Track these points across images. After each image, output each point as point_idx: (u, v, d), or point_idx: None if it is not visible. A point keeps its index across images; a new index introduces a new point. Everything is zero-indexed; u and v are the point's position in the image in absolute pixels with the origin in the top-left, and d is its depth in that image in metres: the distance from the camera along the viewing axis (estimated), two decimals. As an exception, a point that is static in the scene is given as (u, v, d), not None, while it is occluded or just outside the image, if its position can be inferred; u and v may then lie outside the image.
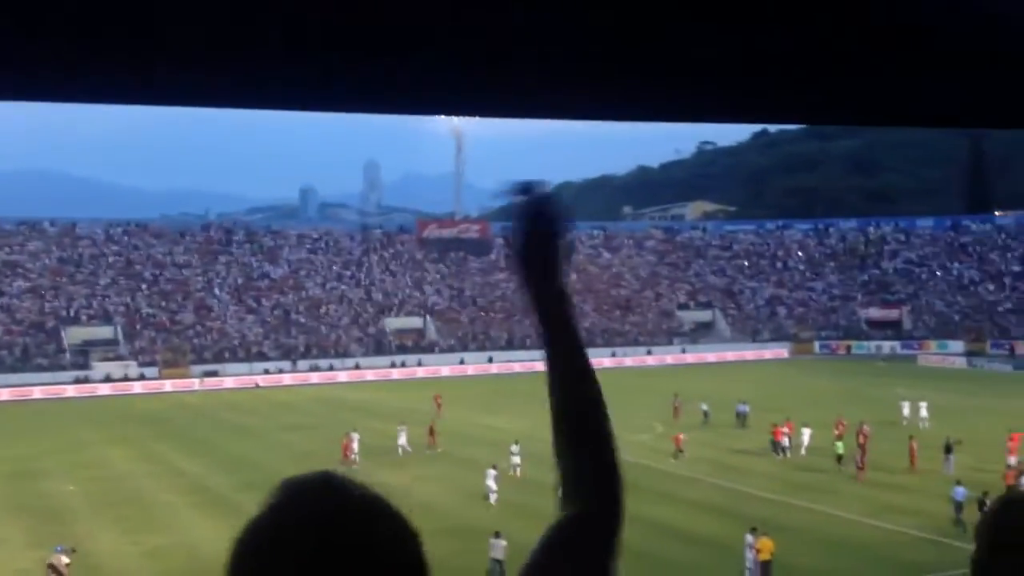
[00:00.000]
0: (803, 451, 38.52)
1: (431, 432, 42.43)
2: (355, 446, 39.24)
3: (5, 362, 70.27)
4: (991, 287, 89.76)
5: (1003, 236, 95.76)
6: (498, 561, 23.88)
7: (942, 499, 28.70)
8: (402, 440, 40.59)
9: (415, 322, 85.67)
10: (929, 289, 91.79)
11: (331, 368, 75.10)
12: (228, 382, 70.49)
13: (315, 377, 72.40)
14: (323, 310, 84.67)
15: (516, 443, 35.34)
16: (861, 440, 35.74)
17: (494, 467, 32.22)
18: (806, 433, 39.15)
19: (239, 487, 34.66)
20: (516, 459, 34.82)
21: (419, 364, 77.33)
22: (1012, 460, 32.71)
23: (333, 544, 1.06)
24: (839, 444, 36.66)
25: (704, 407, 47.72)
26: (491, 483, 31.40)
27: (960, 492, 27.63)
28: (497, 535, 24.24)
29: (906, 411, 45.06)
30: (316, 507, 1.09)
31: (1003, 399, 50.44)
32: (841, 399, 54.35)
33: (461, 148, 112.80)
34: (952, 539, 25.60)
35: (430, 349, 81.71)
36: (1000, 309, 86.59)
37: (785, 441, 38.76)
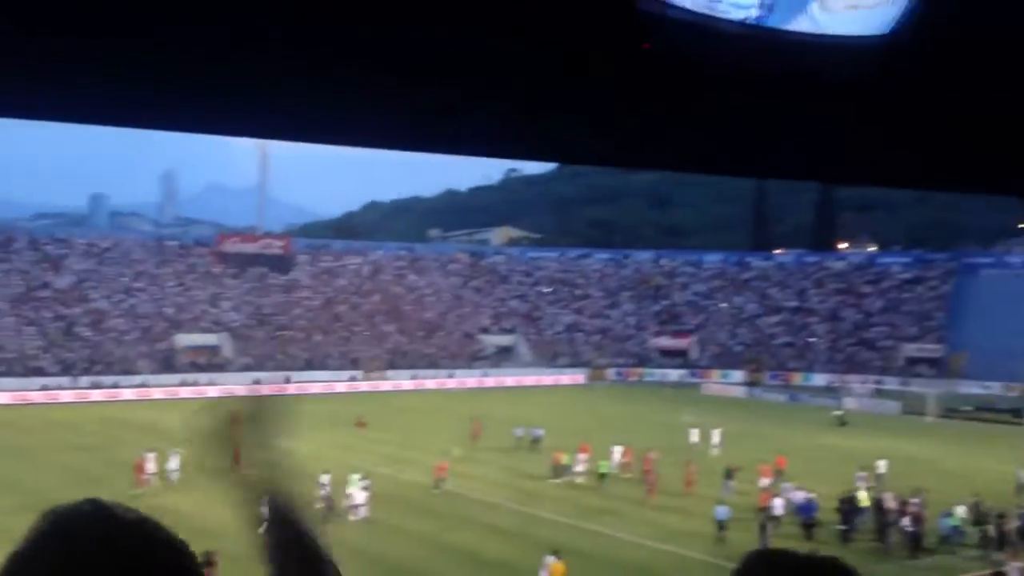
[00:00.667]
0: (581, 472, 39.38)
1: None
2: (150, 467, 37.45)
3: None
4: (770, 321, 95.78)
5: (782, 273, 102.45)
6: None
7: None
8: (173, 463, 37.92)
9: (209, 339, 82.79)
10: (714, 321, 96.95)
11: (115, 385, 71.38)
12: (1, 398, 65.69)
13: (96, 394, 68.57)
14: (109, 324, 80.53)
15: (326, 473, 33.81)
16: (646, 466, 37.39)
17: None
18: (616, 452, 40.46)
19: (10, 510, 32.41)
20: (326, 490, 33.10)
21: (211, 383, 74.64)
22: (764, 482, 35.29)
23: (100, 572, 0.96)
24: (603, 464, 38.44)
25: (519, 432, 47.87)
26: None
27: (721, 511, 29.83)
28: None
29: (695, 438, 47.02)
30: (82, 535, 0.99)
31: (776, 427, 53.84)
32: (633, 424, 56.55)
33: (266, 162, 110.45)
34: (720, 559, 27.12)
35: (224, 367, 79.16)
36: (776, 342, 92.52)
37: (579, 466, 39.72)
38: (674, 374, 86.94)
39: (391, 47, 1.07)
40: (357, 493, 32.99)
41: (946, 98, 1.26)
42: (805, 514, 30.26)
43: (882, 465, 38.29)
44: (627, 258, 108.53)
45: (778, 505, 30.64)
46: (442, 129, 1.26)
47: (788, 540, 29.66)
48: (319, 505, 31.94)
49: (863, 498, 31.42)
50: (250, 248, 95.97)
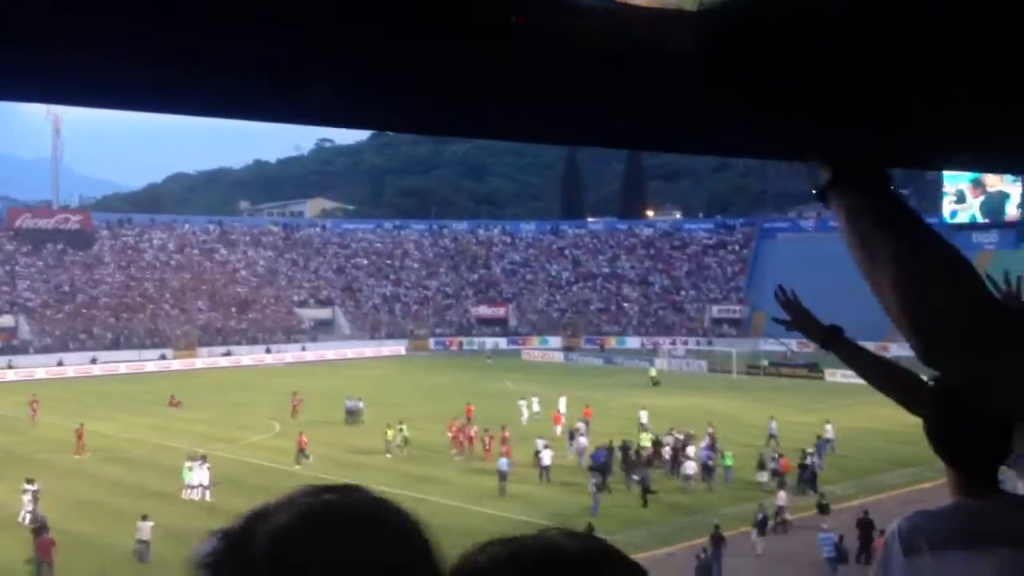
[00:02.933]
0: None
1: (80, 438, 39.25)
2: None
3: None
4: (584, 287, 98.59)
5: (594, 240, 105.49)
6: (144, 542, 25.35)
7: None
8: None
9: (5, 320, 77.72)
10: (531, 289, 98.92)
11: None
12: None
13: None
14: None
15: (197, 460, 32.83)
16: (453, 431, 38.56)
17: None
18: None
19: None
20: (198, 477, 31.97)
21: (9, 366, 70.21)
22: (557, 430, 40.70)
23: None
24: (390, 431, 39.13)
25: (351, 404, 46.98)
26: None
27: (503, 463, 33.02)
28: (144, 518, 25.70)
29: (526, 407, 46.65)
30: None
31: (591, 390, 55.57)
32: (456, 393, 57.13)
33: (59, 132, 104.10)
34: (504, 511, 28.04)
35: (23, 350, 74.56)
36: (592, 308, 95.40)
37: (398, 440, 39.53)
38: (492, 342, 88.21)
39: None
40: (198, 474, 31.97)
41: (751, 69, 1.31)
42: (595, 461, 33.65)
43: (643, 415, 42.19)
44: (443, 228, 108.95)
45: (546, 456, 34.38)
46: (299, 100, 1.28)
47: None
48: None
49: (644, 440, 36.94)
50: (46, 223, 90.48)
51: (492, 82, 1.23)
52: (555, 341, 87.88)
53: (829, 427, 39.03)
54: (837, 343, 2.41)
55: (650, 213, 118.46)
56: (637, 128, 1.45)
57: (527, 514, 29.20)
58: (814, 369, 60.64)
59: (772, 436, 38.80)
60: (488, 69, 1.21)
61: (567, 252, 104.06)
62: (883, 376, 2.41)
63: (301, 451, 37.32)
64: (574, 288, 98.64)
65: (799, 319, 2.53)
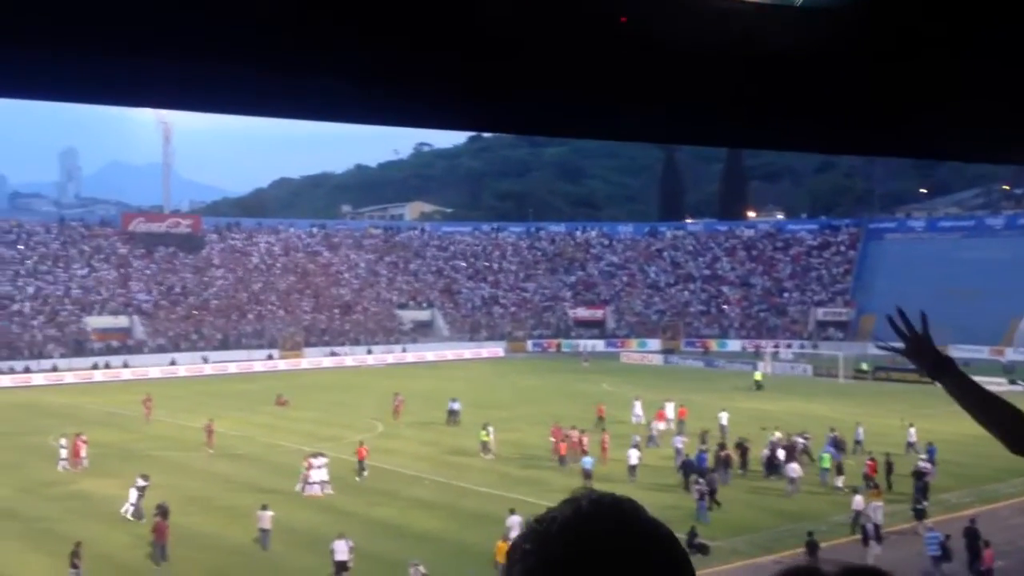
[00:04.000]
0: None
1: (209, 434, 40.80)
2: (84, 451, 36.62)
3: None
4: (684, 289, 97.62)
5: (694, 242, 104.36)
6: (265, 530, 26.40)
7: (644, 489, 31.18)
8: (63, 454, 36.92)
9: (120, 321, 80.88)
10: (629, 291, 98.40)
11: (27, 370, 69.36)
12: (-100, 388, 63.30)
13: (6, 380, 66.61)
14: (15, 308, 78.05)
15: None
16: (556, 435, 38.17)
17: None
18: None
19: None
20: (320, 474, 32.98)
21: (125, 365, 73.09)
22: (659, 426, 41.27)
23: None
24: (483, 433, 39.30)
25: (454, 406, 47.27)
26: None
27: (586, 461, 34.01)
28: (264, 507, 26.78)
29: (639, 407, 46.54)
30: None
31: (692, 392, 55.00)
32: (553, 395, 57.29)
33: (169, 139, 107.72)
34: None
35: (138, 349, 77.50)
36: (692, 310, 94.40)
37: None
38: (591, 344, 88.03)
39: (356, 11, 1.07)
40: (316, 472, 32.80)
41: (856, 66, 1.33)
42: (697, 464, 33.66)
43: (723, 417, 42.35)
44: (541, 230, 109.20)
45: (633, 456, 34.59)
46: (415, 100, 1.27)
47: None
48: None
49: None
50: (158, 227, 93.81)
51: (599, 81, 1.24)
52: (654, 344, 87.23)
53: (912, 431, 38.53)
54: (947, 375, 2.61)
55: (751, 214, 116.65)
56: (738, 125, 1.43)
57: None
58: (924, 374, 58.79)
59: (857, 442, 38.33)
60: (595, 67, 1.21)
61: (666, 254, 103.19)
62: (989, 412, 2.62)
63: (360, 464, 35.55)
64: (673, 290, 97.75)
65: (915, 346, 2.59)
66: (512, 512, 25.87)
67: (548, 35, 1.17)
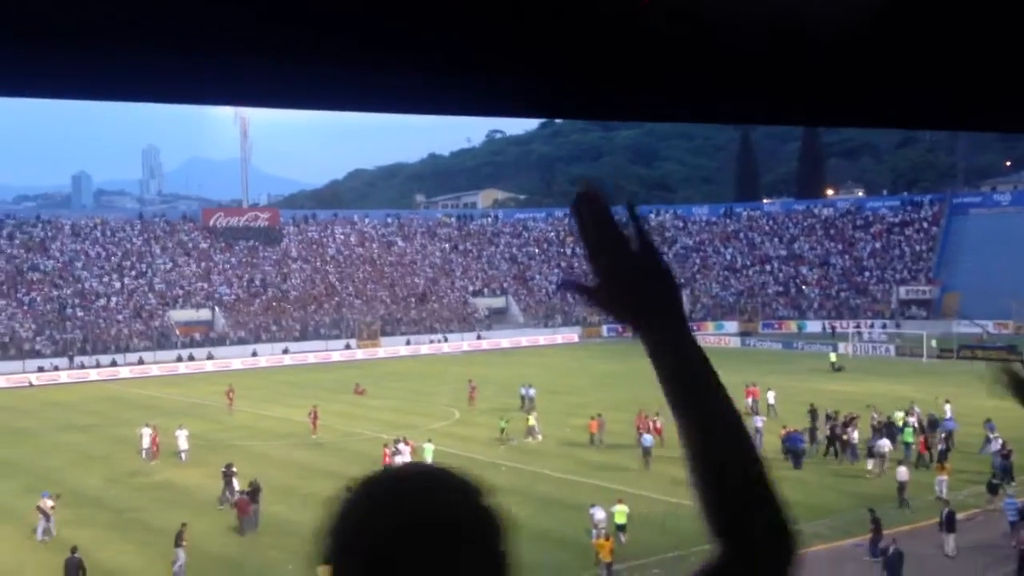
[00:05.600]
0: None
1: (314, 419, 41.81)
2: (181, 443, 37.41)
3: None
4: (761, 270, 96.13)
5: (771, 222, 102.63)
6: None
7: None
8: (181, 440, 37.88)
9: (203, 314, 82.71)
10: (705, 273, 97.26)
11: (113, 364, 71.40)
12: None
13: (94, 374, 68.65)
14: (101, 303, 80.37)
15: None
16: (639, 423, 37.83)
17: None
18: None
19: (18, 492, 32.65)
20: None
21: (209, 357, 74.76)
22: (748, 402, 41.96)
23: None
24: (529, 418, 40.22)
25: (525, 391, 47.46)
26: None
27: (647, 439, 34.87)
28: (349, 490, 26.74)
29: None
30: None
31: (771, 375, 54.11)
32: (629, 380, 56.87)
33: (247, 134, 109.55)
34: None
35: (220, 342, 79.17)
36: (769, 291, 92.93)
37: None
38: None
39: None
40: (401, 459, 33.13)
41: (936, 38, 1.28)
42: (791, 444, 34.12)
43: (771, 396, 43.61)
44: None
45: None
46: (451, 89, 1.27)
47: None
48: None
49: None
50: (237, 221, 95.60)
51: (619, 64, 1.23)
52: (731, 326, 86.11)
53: (948, 407, 37.81)
54: (650, 331, 1.55)
55: (830, 192, 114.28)
56: (770, 102, 1.42)
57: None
58: (1013, 352, 57.03)
59: (937, 421, 37.53)
60: (616, 50, 1.20)
61: (742, 235, 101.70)
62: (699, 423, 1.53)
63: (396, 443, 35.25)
64: (750, 272, 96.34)
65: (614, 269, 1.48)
66: (593, 505, 25.81)
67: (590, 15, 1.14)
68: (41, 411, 52.44)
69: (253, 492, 28.65)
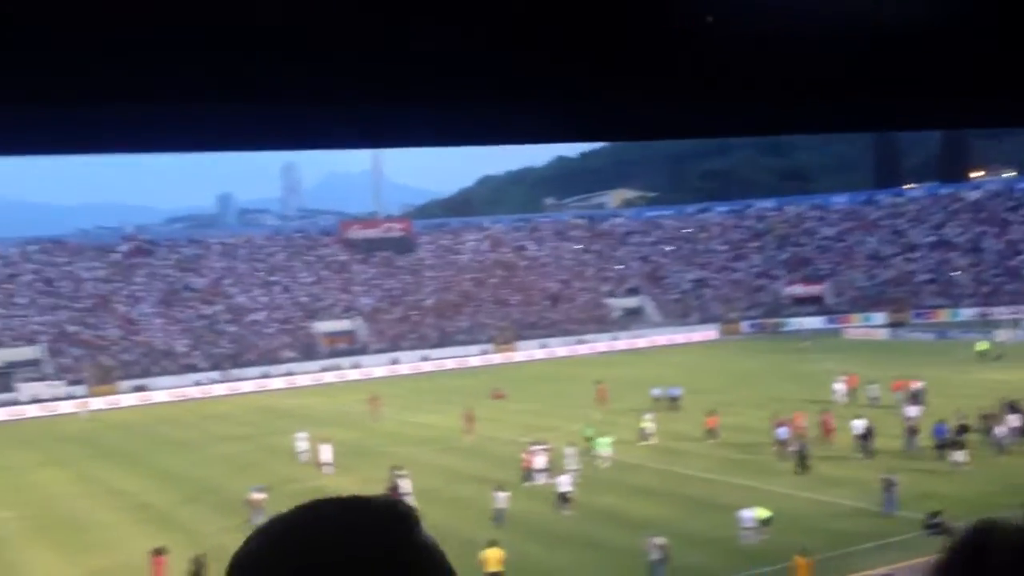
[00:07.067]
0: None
1: (469, 422, 43.11)
2: (326, 456, 38.47)
3: (-78, 390, 67.98)
4: (907, 258, 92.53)
5: (914, 208, 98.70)
6: (501, 509, 28.26)
7: (870, 469, 29.73)
8: (325, 452, 38.73)
9: (345, 324, 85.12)
10: (848, 264, 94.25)
11: (264, 376, 74.22)
12: (158, 396, 69.18)
13: (247, 386, 71.50)
14: (250, 317, 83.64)
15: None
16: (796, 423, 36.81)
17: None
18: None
19: (179, 502, 34.27)
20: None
21: (353, 367, 76.86)
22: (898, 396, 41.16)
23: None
24: (644, 419, 39.51)
25: (664, 392, 47.65)
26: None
27: (781, 431, 34.86)
28: (500, 488, 28.83)
29: (839, 389, 45.08)
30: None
31: (924, 367, 52.01)
32: (771, 377, 55.68)
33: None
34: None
35: (362, 351, 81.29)
36: (917, 280, 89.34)
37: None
38: (810, 321, 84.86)
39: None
40: (538, 461, 33.49)
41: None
42: (937, 435, 33.17)
43: (838, 387, 43.96)
44: (748, 208, 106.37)
45: (857, 426, 34.28)
46: (500, 114, 1.26)
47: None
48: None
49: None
50: (373, 233, 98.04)
51: (687, 82, 1.23)
52: (879, 317, 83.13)
53: None
54: None
55: (976, 174, 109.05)
56: (830, 110, 1.42)
57: (860, 499, 27.93)
58: None
59: None
60: (683, 68, 1.20)
61: (885, 223, 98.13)
62: None
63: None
64: (896, 260, 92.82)
65: None
66: (743, 509, 25.41)
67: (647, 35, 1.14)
68: (199, 423, 54.93)
69: (394, 491, 29.41)
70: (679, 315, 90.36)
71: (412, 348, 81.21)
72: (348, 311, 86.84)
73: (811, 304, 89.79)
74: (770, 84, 1.21)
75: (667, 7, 1.13)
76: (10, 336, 75.56)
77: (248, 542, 1.08)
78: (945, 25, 1.27)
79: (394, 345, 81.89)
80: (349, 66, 1.05)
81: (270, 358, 77.76)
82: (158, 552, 24.46)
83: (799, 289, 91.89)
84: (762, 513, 25.24)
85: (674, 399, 46.98)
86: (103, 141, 1.12)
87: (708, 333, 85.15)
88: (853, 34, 1.24)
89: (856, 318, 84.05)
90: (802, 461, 32.43)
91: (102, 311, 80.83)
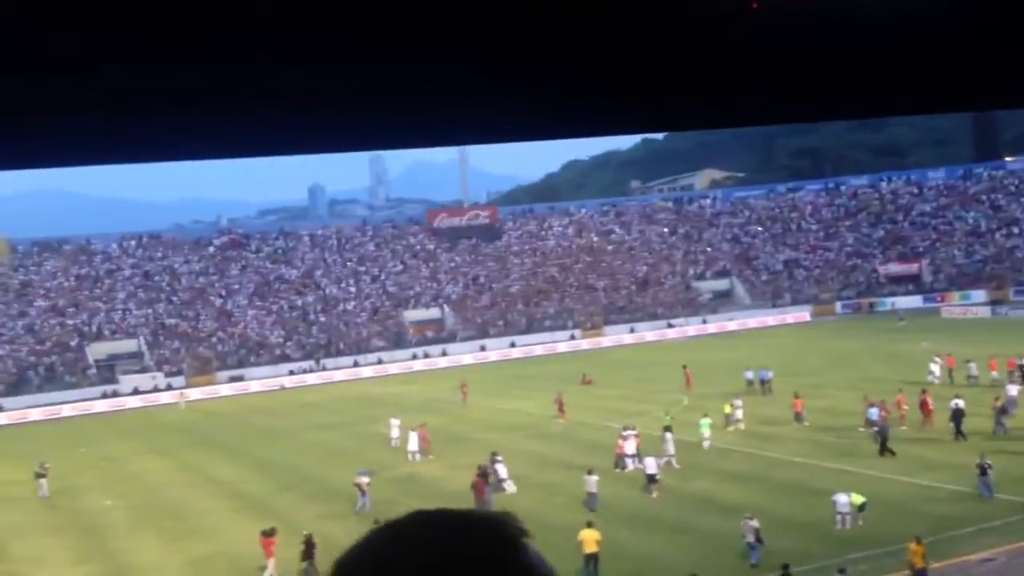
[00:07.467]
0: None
1: (560, 407, 43.49)
2: (413, 444, 38.79)
3: (33, 382, 70.91)
4: (1007, 234, 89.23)
5: (1016, 181, 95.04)
6: (592, 493, 28.32)
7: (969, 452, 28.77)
8: (396, 431, 40.26)
9: (433, 313, 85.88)
10: (946, 241, 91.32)
11: (355, 365, 75.41)
12: (254, 386, 70.90)
13: (339, 375, 72.74)
14: (341, 307, 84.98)
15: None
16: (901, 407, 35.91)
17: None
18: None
19: (276, 490, 35.03)
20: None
21: (442, 354, 77.54)
22: (994, 375, 41.08)
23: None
24: (728, 406, 38.78)
25: (755, 375, 47.27)
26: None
27: (872, 412, 34.03)
28: (590, 472, 28.71)
29: (936, 369, 44.06)
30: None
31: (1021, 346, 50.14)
32: (867, 358, 54.34)
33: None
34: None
35: (450, 338, 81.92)
36: (1020, 255, 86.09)
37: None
38: (906, 301, 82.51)
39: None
40: (628, 446, 33.40)
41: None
42: None
43: (934, 367, 43.40)
44: (840, 186, 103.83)
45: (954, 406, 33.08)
46: (539, 112, 1.26)
47: None
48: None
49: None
50: (459, 221, 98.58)
51: (727, 70, 1.22)
52: (978, 295, 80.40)
53: None
54: None
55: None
56: (872, 97, 1.40)
57: (957, 482, 27.07)
58: None
59: None
60: (722, 55, 1.19)
61: (984, 197, 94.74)
62: None
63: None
64: (996, 236, 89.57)
65: None
66: (838, 494, 24.92)
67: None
68: (293, 412, 56.09)
69: (483, 475, 29.60)
70: (770, 297, 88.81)
71: (499, 335, 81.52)
72: (436, 299, 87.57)
73: (907, 283, 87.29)
74: (769, 75, 1.28)
75: (667, 6, 1.13)
76: (111, 330, 78.27)
77: (354, 548, 1.07)
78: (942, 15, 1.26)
79: (482, 332, 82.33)
80: (348, 68, 1.05)
81: (361, 347, 78.93)
82: (268, 533, 25.11)
83: (894, 268, 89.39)
84: (857, 499, 24.69)
85: (765, 382, 46.38)
86: (106, 151, 1.13)
87: (800, 315, 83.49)
88: (852, 25, 1.23)
89: (954, 296, 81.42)
90: (883, 444, 31.67)
91: (199, 303, 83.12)
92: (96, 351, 75.13)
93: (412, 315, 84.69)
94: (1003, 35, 1.27)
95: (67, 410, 65.68)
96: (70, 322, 78.20)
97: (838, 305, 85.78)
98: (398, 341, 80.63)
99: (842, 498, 24.72)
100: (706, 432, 35.14)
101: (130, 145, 1.13)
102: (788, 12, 1.14)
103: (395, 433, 40.57)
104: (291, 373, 73.78)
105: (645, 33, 1.14)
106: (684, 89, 1.23)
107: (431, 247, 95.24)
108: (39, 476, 37.92)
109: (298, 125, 1.13)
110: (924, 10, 1.21)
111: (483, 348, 78.68)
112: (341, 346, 78.73)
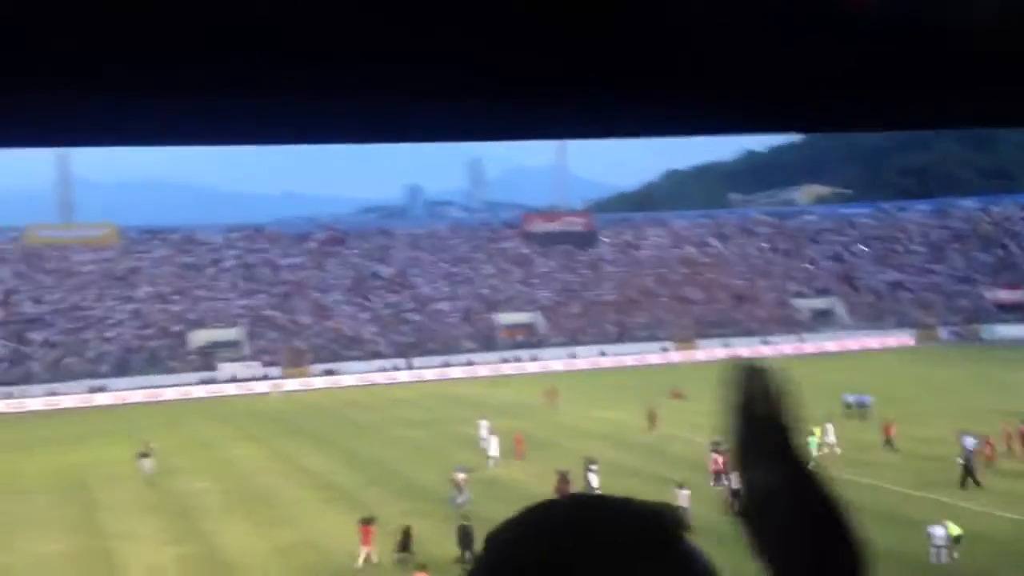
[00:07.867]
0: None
1: (652, 419, 43.62)
2: (494, 449, 38.94)
3: (136, 365, 73.34)
4: None
5: None
6: (682, 508, 27.10)
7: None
8: (485, 432, 40.29)
9: (525, 317, 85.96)
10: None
11: (445, 364, 75.96)
12: (346, 380, 72.02)
13: (429, 374, 73.35)
14: (433, 307, 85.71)
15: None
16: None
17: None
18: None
19: (363, 484, 35.45)
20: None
21: (532, 359, 77.55)
22: None
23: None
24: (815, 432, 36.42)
25: (853, 399, 46.13)
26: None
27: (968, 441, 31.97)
28: (680, 486, 28.51)
29: None
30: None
31: None
32: (972, 387, 52.46)
33: (564, 141, 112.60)
34: None
35: (541, 344, 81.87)
36: None
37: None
38: (1017, 330, 79.35)
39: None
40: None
41: None
42: None
43: None
44: (950, 207, 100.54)
45: None
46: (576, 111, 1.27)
47: None
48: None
49: None
50: (554, 227, 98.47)
51: (729, 70, 1.19)
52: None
53: None
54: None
55: None
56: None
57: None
58: None
59: None
60: (723, 55, 1.17)
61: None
62: None
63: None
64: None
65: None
66: (934, 525, 24.08)
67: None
68: (384, 408, 56.77)
69: (565, 480, 29.69)
70: (872, 318, 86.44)
71: (590, 343, 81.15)
72: (528, 304, 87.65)
73: (1018, 311, 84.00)
74: (769, 79, 1.27)
75: (668, 6, 1.13)
76: (213, 318, 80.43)
77: (508, 523, 1.00)
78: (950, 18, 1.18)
79: (572, 339, 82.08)
80: (351, 62, 1.07)
81: (451, 347, 79.48)
82: (367, 521, 25.48)
83: (1004, 294, 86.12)
84: (954, 529, 23.84)
85: (863, 406, 45.09)
86: (103, 132, 1.13)
87: (903, 339, 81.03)
88: (858, 29, 1.18)
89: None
90: (967, 475, 30.56)
91: (297, 297, 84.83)
92: (197, 338, 77.34)
93: (504, 318, 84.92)
94: None
95: (167, 394, 67.76)
96: (174, 309, 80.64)
97: (942, 331, 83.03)
98: (488, 343, 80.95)
99: (938, 531, 23.87)
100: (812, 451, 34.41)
101: (131, 128, 1.13)
102: (795, 12, 1.19)
103: (484, 435, 40.70)
104: (382, 370, 74.70)
105: (645, 33, 1.13)
106: (685, 90, 1.23)
107: (525, 252, 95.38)
108: (142, 456, 39.16)
109: (297, 118, 1.15)
110: (953, 13, 1.27)
111: (573, 355, 78.42)
112: (432, 345, 79.39)
